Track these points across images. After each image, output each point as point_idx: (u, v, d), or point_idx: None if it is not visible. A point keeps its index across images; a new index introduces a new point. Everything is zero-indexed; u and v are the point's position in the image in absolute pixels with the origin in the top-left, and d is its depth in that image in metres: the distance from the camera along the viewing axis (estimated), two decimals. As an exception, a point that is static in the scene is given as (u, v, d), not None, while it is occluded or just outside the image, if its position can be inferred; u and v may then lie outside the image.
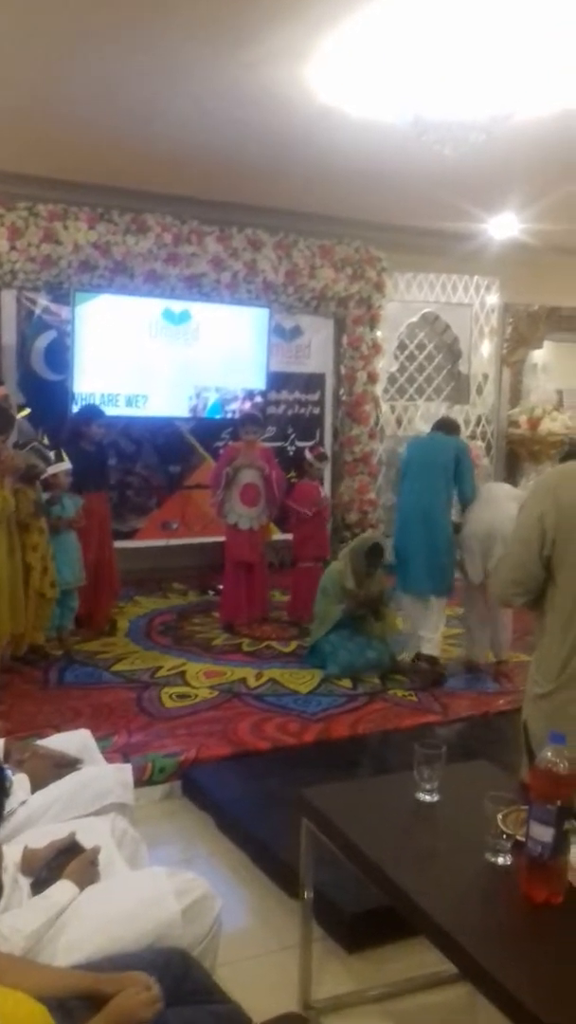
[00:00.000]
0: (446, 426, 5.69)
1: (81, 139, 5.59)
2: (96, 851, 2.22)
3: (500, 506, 5.13)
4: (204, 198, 6.96)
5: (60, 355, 6.72)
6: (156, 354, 6.99)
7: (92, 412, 6.08)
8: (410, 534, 5.30)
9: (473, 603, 5.43)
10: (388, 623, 5.54)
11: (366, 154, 5.60)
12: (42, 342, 6.73)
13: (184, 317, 7.05)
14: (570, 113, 4.82)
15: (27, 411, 6.00)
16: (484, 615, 5.41)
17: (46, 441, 5.53)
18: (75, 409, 6.51)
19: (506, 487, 5.72)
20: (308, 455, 6.58)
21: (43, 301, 6.68)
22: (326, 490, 7.25)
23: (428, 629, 5.33)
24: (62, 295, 6.65)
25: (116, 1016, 1.71)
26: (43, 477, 5.25)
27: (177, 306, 7.02)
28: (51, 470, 5.30)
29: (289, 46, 4.10)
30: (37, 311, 6.68)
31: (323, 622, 5.44)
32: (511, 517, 4.52)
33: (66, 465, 5.38)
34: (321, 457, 6.54)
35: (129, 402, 6.93)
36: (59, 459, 5.38)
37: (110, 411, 6.45)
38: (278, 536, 7.04)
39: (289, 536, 6.74)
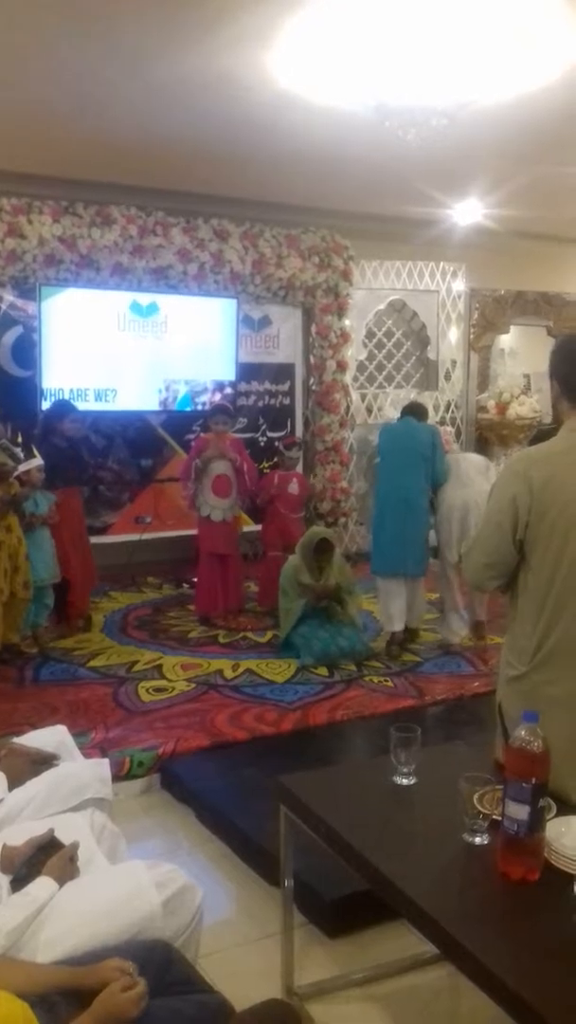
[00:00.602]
0: (416, 411, 5.77)
1: (43, 132, 5.54)
2: (75, 847, 2.21)
3: (473, 483, 5.42)
4: (169, 189, 6.92)
5: (27, 351, 6.66)
6: (124, 347, 6.94)
7: (64, 408, 6.02)
8: (391, 519, 5.43)
9: (448, 586, 5.54)
10: (350, 611, 5.55)
11: (330, 141, 5.59)
12: (9, 338, 6.67)
13: (152, 309, 7.01)
14: (530, 98, 4.83)
15: None
16: (457, 599, 5.54)
17: (19, 439, 5.47)
18: (44, 405, 6.46)
19: (473, 459, 5.86)
20: (279, 445, 6.58)
21: (9, 296, 6.62)
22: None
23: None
24: (28, 290, 6.58)
25: (103, 1014, 1.71)
26: (16, 475, 5.20)
27: (144, 299, 6.97)
28: (22, 467, 5.25)
29: (250, 33, 4.08)
30: (3, 307, 6.61)
31: (286, 618, 5.46)
32: (484, 492, 4.89)
33: (38, 461, 5.33)
34: (291, 446, 6.54)
35: (98, 396, 6.88)
36: (30, 455, 5.34)
37: (80, 406, 6.39)
38: (250, 527, 7.04)
39: (259, 527, 6.75)
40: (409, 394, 8.46)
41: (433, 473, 5.45)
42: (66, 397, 6.51)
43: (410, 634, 5.67)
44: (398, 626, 5.52)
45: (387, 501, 5.48)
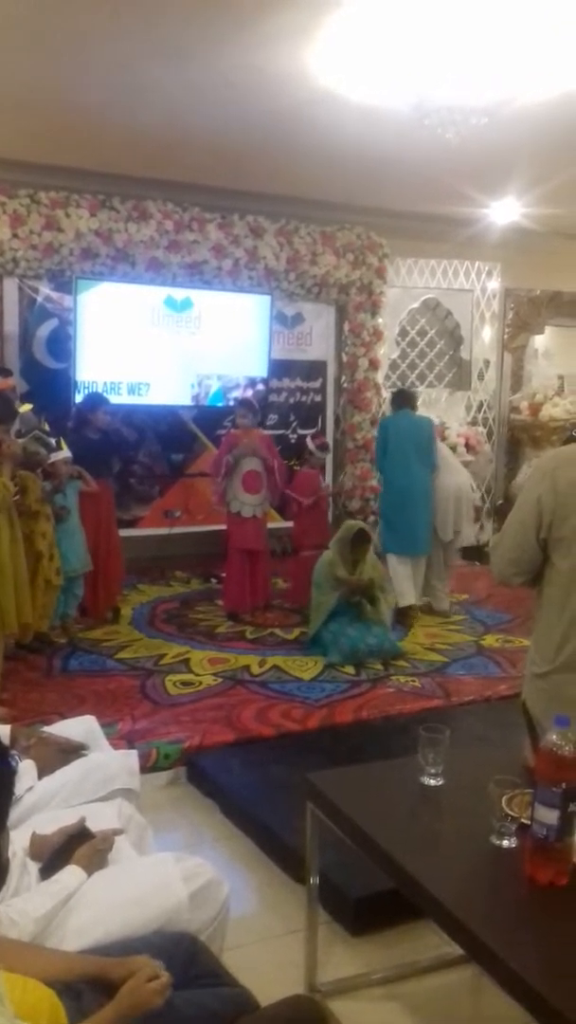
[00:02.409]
0: (412, 403, 6.42)
1: (82, 126, 5.57)
2: (108, 836, 2.23)
3: (460, 471, 6.43)
4: (205, 184, 6.94)
5: (62, 343, 6.71)
6: (158, 342, 6.97)
7: (96, 400, 6.09)
8: (412, 507, 6.10)
9: (438, 561, 6.35)
10: (382, 608, 5.55)
11: (368, 139, 5.58)
12: (44, 330, 6.73)
13: (186, 304, 7.03)
14: (571, 96, 4.79)
15: (29, 406, 6.01)
16: (442, 571, 6.40)
17: (46, 427, 5.51)
18: (78, 398, 6.52)
19: (448, 450, 6.83)
20: (310, 444, 6.60)
21: (45, 289, 6.68)
22: (327, 478, 7.24)
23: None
24: (64, 283, 6.63)
25: (128, 1004, 1.72)
26: (43, 466, 5.24)
27: (179, 294, 7.00)
28: (51, 458, 5.29)
29: (290, 29, 4.09)
30: (39, 299, 6.67)
31: (318, 613, 5.46)
32: (468, 481, 6.45)
33: (65, 454, 5.36)
34: (323, 447, 6.56)
35: (131, 390, 6.92)
36: (59, 447, 5.37)
37: (112, 399, 6.43)
38: (278, 524, 7.04)
39: (289, 524, 6.75)
40: (441, 394, 8.43)
41: (432, 461, 6.19)
42: (99, 390, 6.56)
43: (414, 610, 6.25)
44: (411, 600, 6.14)
45: (408, 492, 6.11)
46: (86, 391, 6.53)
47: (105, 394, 6.43)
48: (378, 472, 6.51)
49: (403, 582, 6.15)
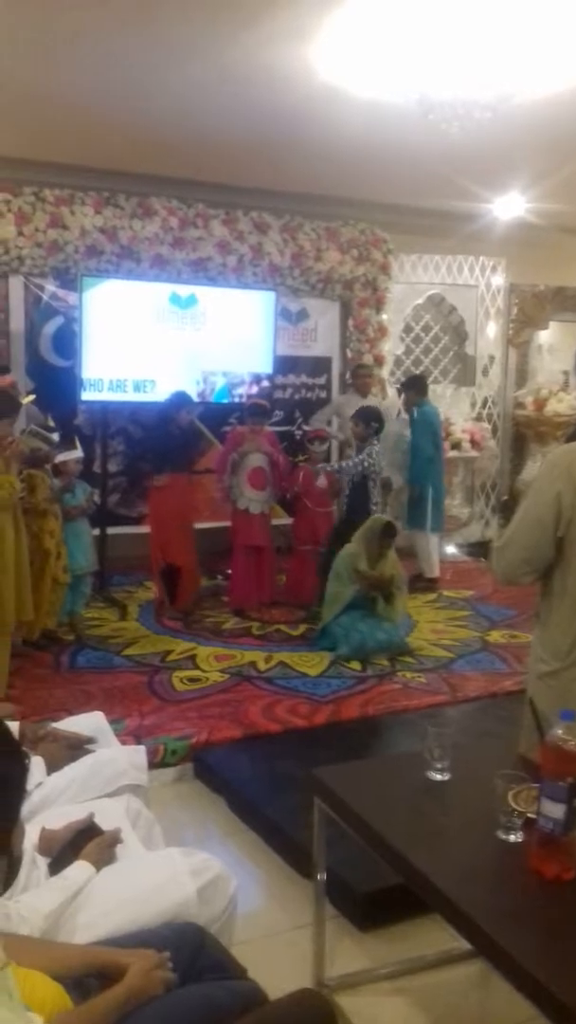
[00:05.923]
0: (425, 390, 7.23)
1: (86, 124, 5.58)
2: (116, 834, 2.24)
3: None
4: (209, 181, 6.95)
5: (68, 341, 6.71)
6: (163, 339, 6.96)
7: (181, 401, 6.10)
8: (439, 490, 7.12)
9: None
10: (397, 606, 5.56)
11: (371, 134, 5.57)
12: (50, 328, 6.73)
13: (191, 301, 7.02)
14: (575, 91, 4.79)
15: (32, 396, 6.01)
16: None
17: (51, 423, 5.48)
18: (84, 395, 6.51)
19: None
20: (305, 437, 6.65)
21: (50, 287, 6.68)
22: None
23: (435, 554, 7.19)
24: (69, 280, 6.63)
25: (138, 984, 1.75)
26: (54, 463, 5.24)
27: (184, 290, 6.98)
28: (61, 457, 5.28)
29: (292, 26, 4.08)
30: (45, 297, 6.67)
31: (333, 604, 5.45)
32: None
33: (77, 453, 5.36)
34: (315, 439, 6.53)
35: (137, 387, 6.90)
36: (71, 446, 5.37)
37: (118, 397, 6.47)
38: (281, 520, 7.04)
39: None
40: (446, 390, 8.41)
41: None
42: (105, 388, 6.57)
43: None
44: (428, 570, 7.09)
45: (440, 477, 7.12)
46: (102, 388, 6.53)
47: (110, 391, 6.47)
48: (410, 459, 7.12)
49: (431, 554, 7.08)
